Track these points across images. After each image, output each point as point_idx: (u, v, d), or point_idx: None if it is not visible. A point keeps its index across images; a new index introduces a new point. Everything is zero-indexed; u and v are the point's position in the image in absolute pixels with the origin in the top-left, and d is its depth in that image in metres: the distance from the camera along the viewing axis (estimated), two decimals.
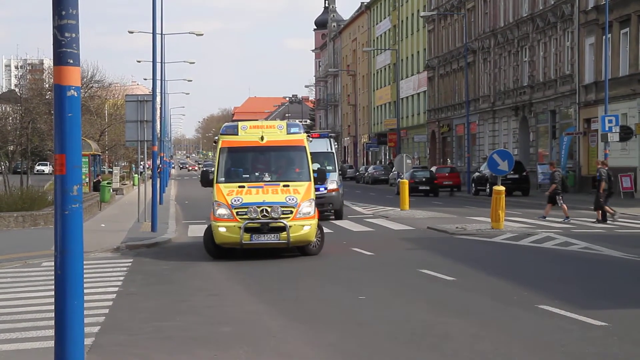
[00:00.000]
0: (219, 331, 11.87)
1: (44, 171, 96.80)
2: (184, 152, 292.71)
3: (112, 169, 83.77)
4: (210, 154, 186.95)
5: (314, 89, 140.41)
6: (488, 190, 46.56)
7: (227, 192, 20.39)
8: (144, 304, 14.38)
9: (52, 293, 13.63)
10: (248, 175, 21.14)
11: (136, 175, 66.11)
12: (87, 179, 48.27)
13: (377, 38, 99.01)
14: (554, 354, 10.25)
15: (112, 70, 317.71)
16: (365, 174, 79.97)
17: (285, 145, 21.35)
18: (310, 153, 28.91)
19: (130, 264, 19.73)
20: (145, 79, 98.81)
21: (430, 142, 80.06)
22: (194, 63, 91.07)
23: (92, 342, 10.79)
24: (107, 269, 18.72)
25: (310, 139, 31.30)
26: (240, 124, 21.98)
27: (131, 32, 56.52)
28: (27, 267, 19.42)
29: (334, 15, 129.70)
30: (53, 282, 13.90)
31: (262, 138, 21.12)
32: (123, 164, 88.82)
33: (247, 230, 19.80)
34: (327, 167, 31.41)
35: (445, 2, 73.62)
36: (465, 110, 60.99)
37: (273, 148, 21.28)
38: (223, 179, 20.99)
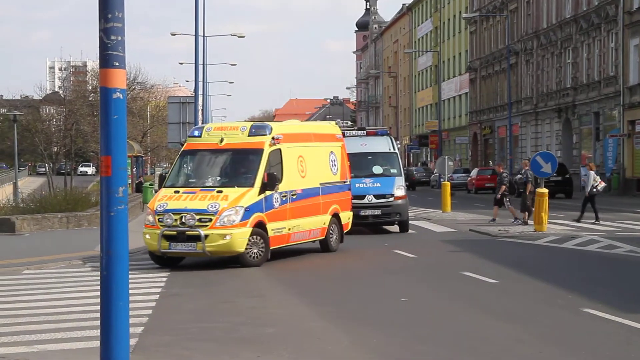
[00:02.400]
0: (262, 332, 11.89)
1: (87, 172, 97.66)
2: None
3: (154, 170, 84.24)
4: None
5: (355, 91, 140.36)
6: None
7: (161, 197, 19.55)
8: (187, 305, 14.45)
9: (96, 294, 13.74)
10: (195, 180, 20.05)
11: None
12: (130, 180, 48.63)
13: (419, 40, 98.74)
14: (599, 359, 10.14)
15: (154, 72, 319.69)
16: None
17: (241, 148, 20.04)
18: (370, 154, 28.42)
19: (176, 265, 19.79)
20: (187, 81, 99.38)
21: (471, 144, 79.68)
22: (235, 65, 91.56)
23: (135, 343, 10.85)
24: (151, 270, 18.82)
25: (343, 136, 29.68)
26: (207, 125, 21.39)
27: (173, 34, 56.89)
28: (71, 267, 19.59)
29: (375, 17, 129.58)
30: (97, 282, 14.05)
31: (221, 140, 20.07)
32: (165, 166, 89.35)
33: (167, 237, 18.73)
34: (391, 171, 28.34)
35: (488, 4, 73.26)
36: (508, 112, 60.64)
37: (228, 151, 20.14)
38: (170, 182, 20.18)
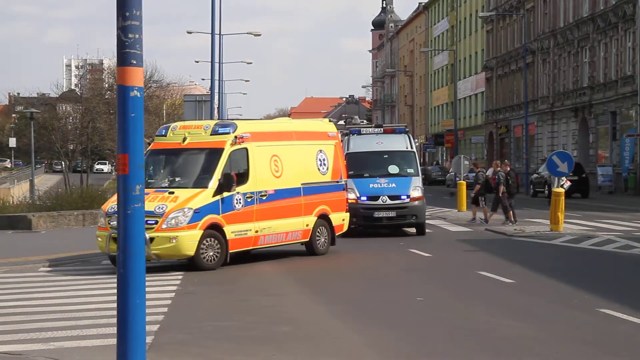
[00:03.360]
0: (278, 331, 11.89)
1: (103, 170, 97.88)
2: None
3: None
4: None
5: (371, 90, 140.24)
6: (547, 192, 46.06)
7: (115, 198, 19.29)
8: (203, 303, 14.46)
9: (112, 291, 13.77)
10: (153, 180, 19.27)
11: None
12: None
13: (435, 38, 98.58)
14: (616, 359, 10.10)
15: (170, 70, 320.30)
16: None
17: (202, 147, 19.29)
18: (386, 152, 27.50)
19: (188, 262, 19.80)
20: (203, 79, 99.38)
21: (487, 143, 79.49)
22: (251, 63, 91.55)
23: (151, 341, 10.86)
24: (166, 267, 18.85)
25: (359, 133, 28.01)
26: (173, 124, 20.74)
27: (190, 33, 56.91)
28: (87, 265, 19.64)
29: (391, 16, 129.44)
30: (113, 280, 14.04)
31: (184, 139, 19.35)
32: None
33: (115, 240, 18.54)
34: (407, 170, 27.17)
35: (504, 2, 73.06)
36: (524, 112, 60.46)
37: (189, 150, 19.44)
38: None
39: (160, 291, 15.29)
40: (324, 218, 21.33)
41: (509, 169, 30.29)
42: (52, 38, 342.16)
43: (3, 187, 65.51)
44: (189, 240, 17.96)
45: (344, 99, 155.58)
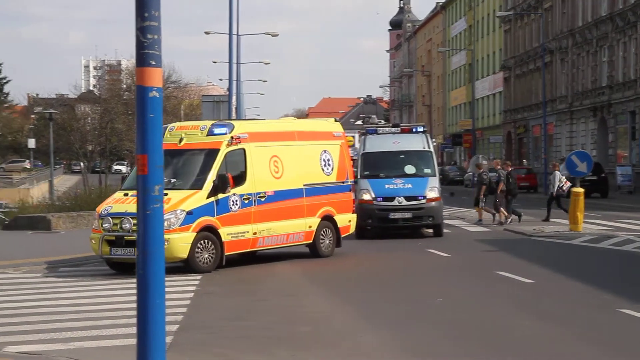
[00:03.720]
0: (298, 331, 11.90)
1: (121, 170, 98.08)
2: None
3: None
4: None
5: (389, 90, 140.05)
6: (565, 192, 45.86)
7: (110, 200, 19.06)
8: (222, 303, 14.49)
9: (131, 291, 13.79)
10: None
11: None
12: None
13: (453, 38, 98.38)
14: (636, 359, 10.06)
15: (188, 71, 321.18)
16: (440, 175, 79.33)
17: (197, 148, 18.94)
18: (402, 152, 26.92)
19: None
20: (220, 80, 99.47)
21: (506, 143, 79.27)
22: (269, 64, 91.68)
23: (171, 341, 10.88)
24: (185, 268, 18.85)
25: (376, 133, 27.52)
26: (171, 125, 20.21)
27: (207, 33, 56.94)
28: (107, 265, 19.68)
29: (409, 16, 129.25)
30: (132, 280, 14.09)
31: (180, 140, 19.00)
32: None
33: (108, 242, 17.96)
34: (424, 170, 26.58)
35: (522, 2, 72.83)
36: (542, 111, 60.25)
37: (185, 151, 19.07)
38: (127, 184, 19.63)
39: (179, 291, 15.32)
40: (328, 219, 20.95)
41: (510, 169, 30.40)
42: (71, 39, 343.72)
43: (22, 187, 65.83)
44: (181, 243, 17.66)
45: (362, 99, 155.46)
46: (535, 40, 68.88)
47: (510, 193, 29.33)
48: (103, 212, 18.26)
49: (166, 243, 16.80)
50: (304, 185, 20.46)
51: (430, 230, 26.93)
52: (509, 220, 29.23)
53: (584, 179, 28.87)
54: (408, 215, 25.58)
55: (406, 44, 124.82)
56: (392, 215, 25.56)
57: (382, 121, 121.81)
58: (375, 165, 26.66)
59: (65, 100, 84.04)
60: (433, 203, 25.78)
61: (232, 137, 18.93)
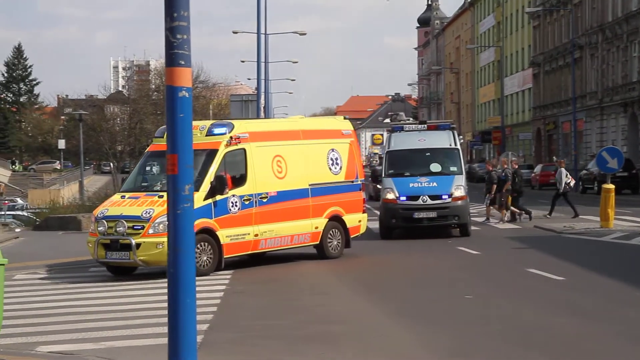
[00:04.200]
0: (327, 330, 11.88)
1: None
2: None
3: None
4: None
5: (417, 87, 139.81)
6: (596, 188, 45.61)
7: (107, 202, 18.86)
8: (252, 302, 14.50)
9: (161, 291, 13.83)
10: (147, 184, 18.99)
11: None
12: None
13: (481, 35, 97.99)
14: None
15: (216, 71, 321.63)
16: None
17: (196, 149, 18.28)
18: (428, 150, 26.27)
19: (237, 261, 19.84)
20: (249, 79, 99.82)
21: (535, 139, 78.87)
22: (297, 62, 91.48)
23: (201, 340, 10.90)
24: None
25: (402, 130, 26.77)
26: None
27: (235, 33, 57.03)
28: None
29: (437, 13, 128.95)
30: (161, 279, 14.08)
31: None
32: None
33: (104, 246, 17.60)
34: (450, 168, 25.84)
35: None
36: (572, 107, 59.89)
37: None
38: (125, 186, 19.39)
39: (209, 290, 15.36)
40: (336, 220, 20.42)
41: (517, 166, 30.49)
42: (100, 40, 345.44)
43: (53, 188, 66.31)
44: None
45: (390, 97, 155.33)
46: (565, 36, 68.46)
47: (517, 191, 29.27)
48: (99, 215, 17.95)
49: (161, 246, 16.83)
50: (310, 185, 19.93)
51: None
52: (520, 218, 29.25)
53: (614, 176, 28.64)
54: (433, 214, 24.88)
55: (434, 41, 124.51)
56: (417, 215, 24.88)
57: (411, 119, 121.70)
58: (400, 163, 26.19)
59: (95, 101, 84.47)
60: (459, 202, 24.99)
61: (231, 137, 18.47)
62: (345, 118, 22.41)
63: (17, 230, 33.65)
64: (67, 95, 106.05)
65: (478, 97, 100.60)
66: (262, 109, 43.93)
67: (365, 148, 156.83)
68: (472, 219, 26.89)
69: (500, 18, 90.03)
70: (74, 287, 16.76)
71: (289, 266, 19.18)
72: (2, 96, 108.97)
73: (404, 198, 25.01)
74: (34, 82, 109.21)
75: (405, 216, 24.93)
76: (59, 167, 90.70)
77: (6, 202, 49.31)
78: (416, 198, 24.92)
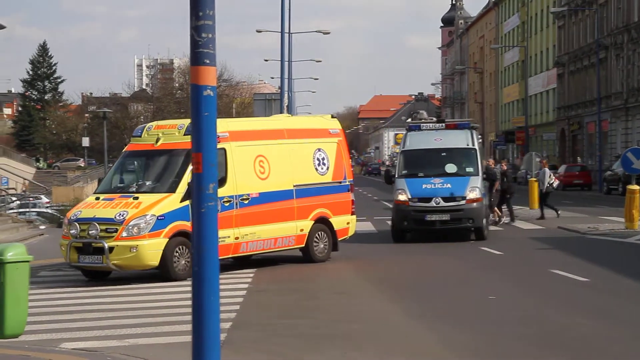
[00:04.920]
0: (349, 329, 11.89)
1: None
2: None
3: None
4: None
5: (441, 87, 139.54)
6: (621, 189, 45.37)
7: (81, 204, 18.30)
8: (275, 301, 14.53)
9: (185, 289, 13.90)
10: (123, 185, 18.30)
11: None
12: None
13: (505, 35, 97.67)
14: None
15: (239, 69, 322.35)
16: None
17: (173, 148, 17.80)
18: (443, 150, 25.13)
19: (259, 261, 19.88)
20: (272, 78, 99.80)
21: (559, 140, 78.54)
22: (320, 61, 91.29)
23: (224, 338, 10.93)
24: (237, 265, 18.95)
25: (419, 129, 25.26)
26: (149, 124, 19.28)
27: (259, 32, 57.34)
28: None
29: (461, 12, 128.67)
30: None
31: (157, 140, 17.96)
32: None
33: (77, 249, 16.94)
34: (466, 169, 24.69)
35: None
36: (597, 108, 59.61)
37: (161, 152, 17.97)
38: (101, 187, 18.77)
39: (232, 289, 15.40)
40: (323, 222, 19.69)
41: (505, 167, 30.54)
42: (124, 38, 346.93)
43: (77, 186, 66.59)
44: (151, 250, 16.59)
45: (413, 97, 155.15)
46: (590, 36, 68.14)
47: (507, 192, 29.19)
48: (72, 218, 17.34)
49: (135, 250, 16.47)
50: (294, 186, 19.23)
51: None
52: (503, 219, 29.33)
53: (639, 177, 28.45)
54: (446, 217, 23.82)
55: (458, 41, 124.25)
56: (429, 217, 23.77)
57: (433, 119, 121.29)
58: (414, 163, 25.12)
59: (119, 99, 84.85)
60: (474, 204, 23.81)
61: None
62: (332, 117, 21.57)
63: (42, 227, 33.87)
64: (91, 93, 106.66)
65: (502, 97, 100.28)
66: (285, 107, 44.00)
67: (388, 148, 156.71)
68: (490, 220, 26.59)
69: (525, 18, 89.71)
70: (98, 284, 16.85)
71: (310, 266, 19.17)
72: (27, 94, 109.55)
73: (416, 200, 23.95)
74: (59, 80, 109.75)
75: (416, 218, 23.86)
76: (82, 165, 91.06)
77: (31, 199, 49.55)
78: (428, 200, 23.85)
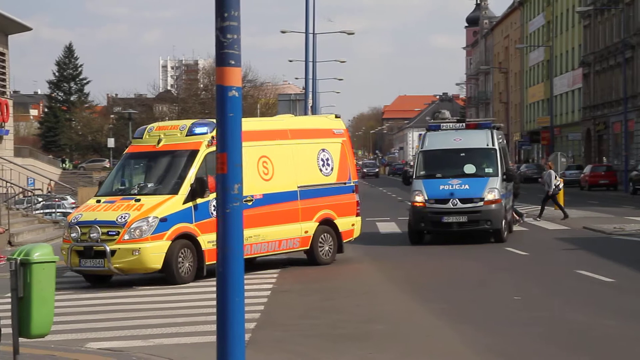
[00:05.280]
0: (372, 329, 11.89)
1: None
2: None
3: None
4: (360, 152, 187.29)
5: (465, 87, 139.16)
6: None
7: (82, 207, 17.89)
8: (299, 301, 14.55)
9: (209, 289, 13.93)
10: (124, 187, 18.01)
11: None
12: None
13: (531, 34, 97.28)
14: None
15: (264, 70, 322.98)
16: (518, 173, 78.51)
17: (175, 149, 17.57)
18: (462, 150, 24.58)
19: (283, 261, 19.89)
20: (296, 78, 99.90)
21: (585, 140, 78.14)
22: (345, 62, 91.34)
23: (249, 338, 10.96)
24: (262, 266, 18.98)
25: (439, 129, 24.89)
26: (150, 125, 19.05)
27: (284, 32, 57.14)
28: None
29: (485, 12, 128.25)
30: (209, 278, 14.16)
31: (158, 141, 17.72)
32: None
33: (78, 253, 16.66)
34: (485, 170, 24.08)
35: None
36: (623, 108, 59.26)
37: (163, 153, 17.70)
38: (102, 190, 18.14)
39: (257, 289, 15.43)
40: (328, 224, 19.40)
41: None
42: (149, 39, 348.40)
43: None
44: (153, 252, 16.33)
45: (438, 97, 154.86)
46: (616, 35, 67.75)
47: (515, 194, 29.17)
48: (72, 221, 17.05)
49: (137, 253, 16.24)
50: (299, 187, 18.94)
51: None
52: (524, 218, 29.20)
53: None
54: (463, 219, 23.23)
55: (483, 41, 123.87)
56: (446, 219, 23.21)
57: (454, 118, 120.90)
58: (432, 164, 24.67)
59: (144, 100, 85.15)
60: (492, 206, 23.18)
61: (212, 137, 17.07)
62: (337, 116, 21.14)
63: None
64: (116, 94, 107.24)
65: (527, 97, 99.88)
66: (309, 108, 44.01)
67: (412, 148, 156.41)
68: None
69: (550, 17, 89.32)
70: (123, 285, 16.92)
71: (333, 266, 19.16)
72: (53, 95, 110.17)
73: (433, 201, 23.42)
74: (84, 81, 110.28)
75: (433, 220, 23.29)
76: (108, 166, 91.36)
77: (56, 199, 49.79)
78: (446, 201, 23.32)
